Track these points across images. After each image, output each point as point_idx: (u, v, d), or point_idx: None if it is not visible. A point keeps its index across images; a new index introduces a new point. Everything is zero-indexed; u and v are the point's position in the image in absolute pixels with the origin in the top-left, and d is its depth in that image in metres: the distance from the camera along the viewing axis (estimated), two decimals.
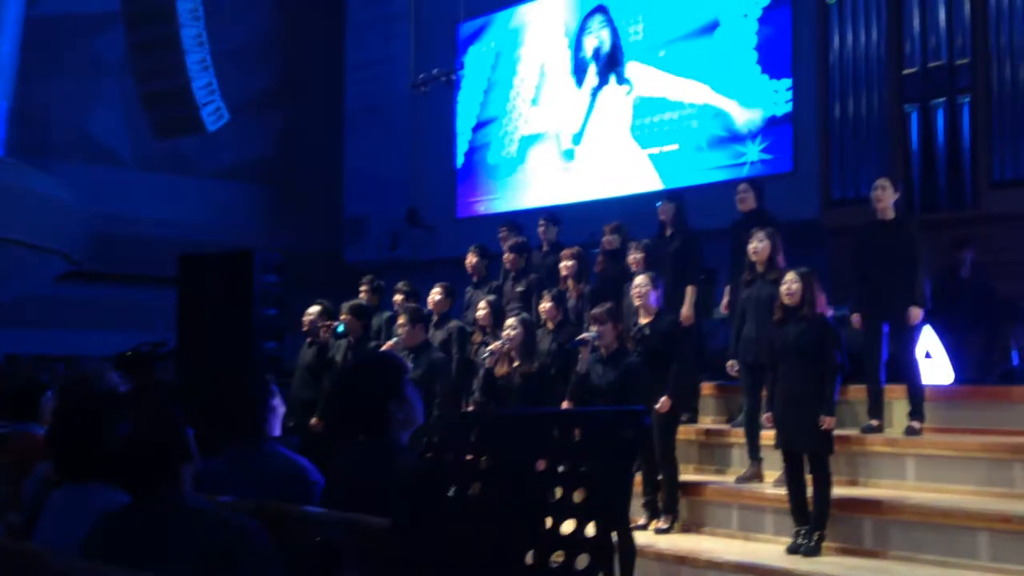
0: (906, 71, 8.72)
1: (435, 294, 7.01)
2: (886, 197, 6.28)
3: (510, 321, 6.00)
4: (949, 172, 8.47)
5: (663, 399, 5.63)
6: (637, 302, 5.94)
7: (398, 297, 7.36)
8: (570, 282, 6.93)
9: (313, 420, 6.76)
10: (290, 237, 12.18)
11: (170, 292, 7.33)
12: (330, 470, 2.59)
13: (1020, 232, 8.00)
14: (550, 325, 6.44)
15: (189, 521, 2.05)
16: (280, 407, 3.22)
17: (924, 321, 6.31)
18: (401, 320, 6.44)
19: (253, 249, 6.97)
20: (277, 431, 3.20)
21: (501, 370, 6.06)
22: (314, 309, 7.16)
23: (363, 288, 7.63)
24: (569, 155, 11.99)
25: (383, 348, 6.60)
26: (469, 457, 1.84)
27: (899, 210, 6.39)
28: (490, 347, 6.09)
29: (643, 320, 5.91)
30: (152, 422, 2.15)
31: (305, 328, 7.17)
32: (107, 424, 2.28)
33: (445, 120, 13.16)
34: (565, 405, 5.93)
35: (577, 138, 11.92)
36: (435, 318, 6.95)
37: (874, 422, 6.11)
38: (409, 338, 6.34)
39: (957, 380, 6.92)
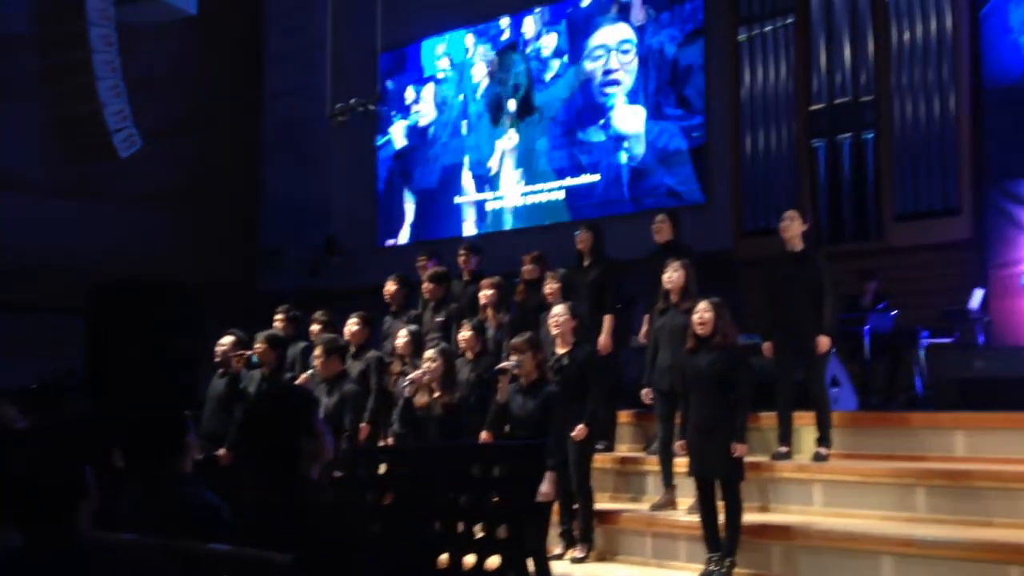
0: (814, 107, 9.05)
1: (352, 324, 6.96)
2: (794, 229, 6.46)
3: (429, 352, 5.99)
4: (855, 205, 8.80)
5: (579, 427, 5.69)
6: (555, 331, 6.00)
7: (315, 327, 7.29)
8: (490, 312, 6.95)
9: (221, 452, 6.64)
10: (205, 266, 11.96)
11: (80, 321, 7.13)
12: (237, 505, 2.56)
13: (921, 263, 8.34)
14: (469, 355, 6.44)
15: (87, 561, 2.00)
16: (194, 442, 3.16)
17: (832, 349, 6.51)
18: (317, 351, 6.37)
19: (166, 278, 6.82)
20: (188, 467, 3.14)
21: (421, 401, 6.03)
22: (227, 339, 7.05)
23: (278, 318, 7.54)
24: (490, 185, 12.07)
25: (298, 380, 6.52)
26: (375, 492, 1.84)
27: (807, 242, 6.57)
28: (409, 376, 6.07)
29: (561, 350, 5.97)
30: (47, 458, 2.09)
31: (217, 359, 7.04)
32: None
33: (366, 149, 13.15)
34: (484, 435, 5.93)
35: (497, 168, 12.02)
36: (353, 349, 6.90)
37: (783, 449, 6.26)
38: (325, 369, 6.28)
39: (862, 406, 7.14)
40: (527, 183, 11.70)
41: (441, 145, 12.63)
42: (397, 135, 13.02)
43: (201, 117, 12.75)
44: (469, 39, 12.43)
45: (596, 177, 11.13)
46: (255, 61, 13.74)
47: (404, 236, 12.87)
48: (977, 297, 7.70)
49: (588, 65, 11.29)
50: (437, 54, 12.74)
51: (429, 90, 12.76)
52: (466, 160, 12.29)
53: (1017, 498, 5.38)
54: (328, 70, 9.40)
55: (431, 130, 12.74)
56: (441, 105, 12.66)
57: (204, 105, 12.80)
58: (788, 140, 9.20)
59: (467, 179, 12.29)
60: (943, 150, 8.34)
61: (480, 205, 12.15)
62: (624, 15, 11.08)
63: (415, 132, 12.87)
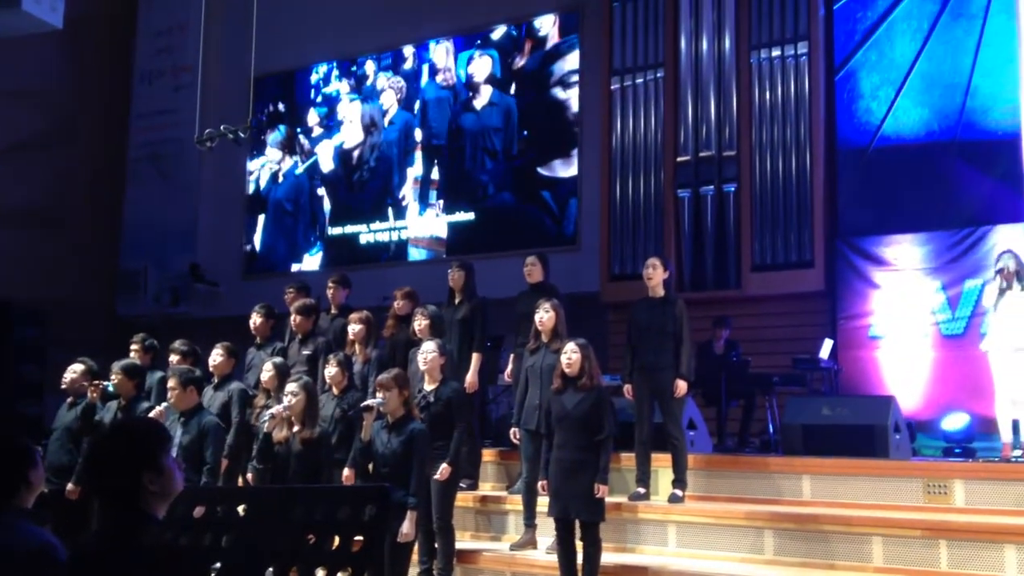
0: (680, 158, 9.40)
1: (216, 355, 6.76)
2: (656, 276, 6.65)
3: (291, 386, 5.87)
4: (716, 254, 9.15)
5: (443, 466, 5.67)
6: (423, 368, 5.98)
7: (174, 357, 7.04)
8: (358, 346, 6.89)
9: (69, 487, 6.31)
10: (59, 288, 11.42)
11: None
12: (77, 543, 2.44)
13: (774, 312, 8.72)
14: (335, 390, 6.36)
15: None
16: (39, 478, 2.99)
17: (689, 393, 6.71)
18: (171, 383, 6.16)
19: (11, 300, 6.47)
20: (28, 503, 2.97)
21: (280, 435, 5.90)
22: (77, 367, 6.72)
23: (134, 347, 7.26)
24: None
25: (153, 412, 6.28)
26: (212, 533, 1.79)
27: (669, 288, 6.77)
28: (270, 410, 5.93)
29: (428, 387, 5.95)
30: None
31: (66, 387, 6.71)
32: None
33: (236, 175, 12.87)
34: (347, 473, 5.86)
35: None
36: (216, 380, 6.70)
37: (641, 489, 6.40)
38: (180, 401, 6.07)
39: (716, 449, 7.38)
40: (405, 216, 11.67)
41: (315, 173, 12.48)
42: (272, 161, 12.79)
43: (63, 134, 12.23)
44: (349, 66, 12.37)
45: (473, 215, 11.21)
46: (123, 79, 13.30)
47: (272, 266, 12.61)
48: (827, 347, 8.10)
49: (477, 103, 11.40)
50: (315, 80, 12.61)
51: (305, 116, 12.61)
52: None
53: (860, 542, 5.64)
54: (198, 93, 9.18)
55: (306, 157, 12.57)
56: (317, 132, 12.52)
57: (67, 121, 12.30)
58: (656, 189, 9.51)
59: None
60: (799, 205, 8.78)
61: (349, 236, 12.05)
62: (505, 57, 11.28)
63: (289, 159, 12.68)
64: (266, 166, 12.80)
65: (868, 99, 8.91)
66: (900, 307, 8.39)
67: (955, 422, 7.44)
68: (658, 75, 9.58)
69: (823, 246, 8.68)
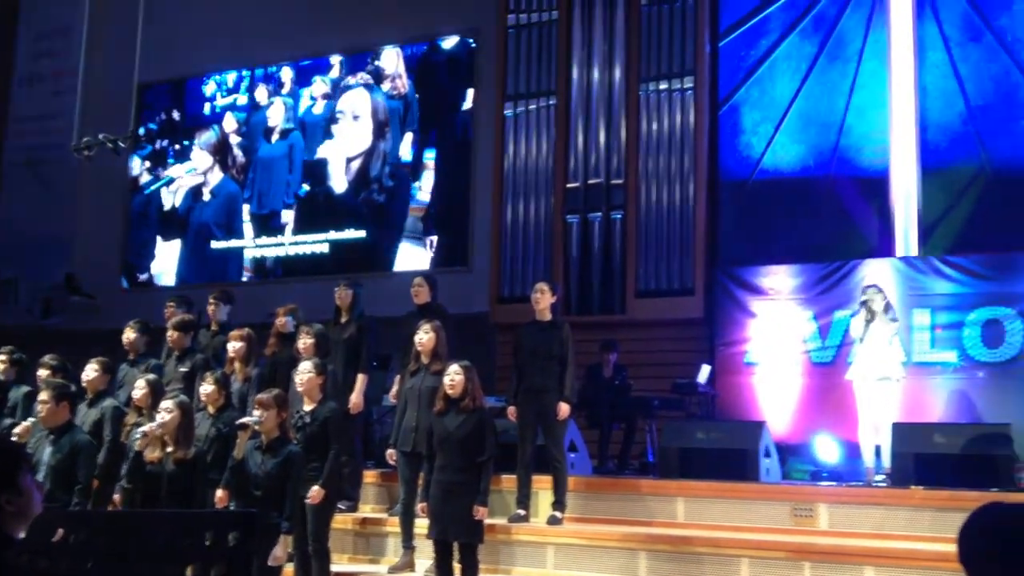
0: (570, 184, 9.57)
1: (90, 370, 6.53)
2: (544, 300, 6.74)
3: (165, 403, 5.71)
4: (602, 279, 9.33)
5: (314, 490, 5.59)
6: (300, 389, 5.91)
7: (43, 372, 6.77)
8: (237, 364, 6.76)
9: None
10: None
11: None
12: None
13: (656, 337, 8.93)
14: (211, 409, 6.21)
15: None
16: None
17: (571, 416, 6.81)
18: (44, 396, 5.91)
19: None
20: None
21: (153, 455, 5.72)
22: None
23: (1, 359, 6.95)
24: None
25: (18, 428, 6.02)
26: (73, 558, 1.74)
27: (555, 312, 6.87)
28: (141, 428, 5.75)
29: (307, 407, 5.88)
30: None
31: None
32: None
33: (116, 185, 12.47)
34: (220, 494, 5.71)
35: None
36: (89, 396, 6.47)
37: (521, 511, 6.45)
38: (51, 417, 5.83)
39: (596, 472, 7.50)
40: (292, 234, 11.51)
41: (202, 185, 12.21)
42: (153, 172, 12.44)
43: None
44: (235, 77, 12.16)
45: (364, 233, 11.14)
46: (1, 82, 12.77)
47: (152, 279, 12.26)
48: (704, 372, 8.34)
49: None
50: (199, 91, 12.35)
51: (190, 128, 12.33)
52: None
53: (729, 563, 5.81)
54: (78, 100, 8.89)
55: (189, 168, 12.28)
56: (202, 144, 12.24)
57: None
58: (545, 214, 9.65)
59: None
60: (681, 234, 9.04)
61: (234, 251, 11.81)
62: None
63: (172, 170, 12.36)
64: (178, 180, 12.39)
65: (749, 134, 9.26)
66: (774, 335, 8.71)
67: (828, 451, 7.74)
68: (550, 102, 9.74)
69: (703, 274, 8.95)
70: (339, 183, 11.38)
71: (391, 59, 11.27)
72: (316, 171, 11.47)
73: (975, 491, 5.84)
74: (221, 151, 12.14)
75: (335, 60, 11.58)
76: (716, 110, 9.37)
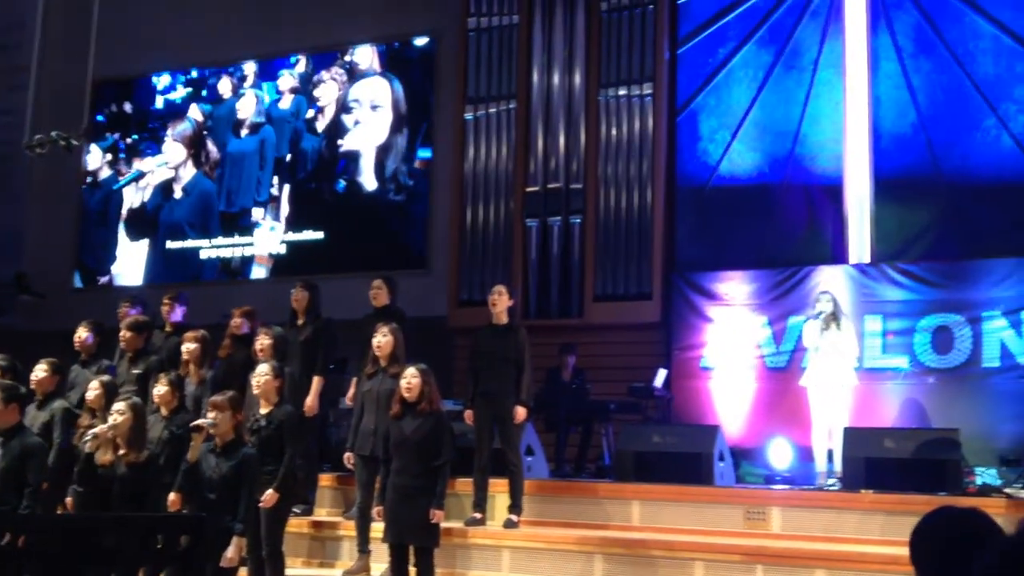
0: (530, 188, 9.59)
1: (40, 371, 6.43)
2: (501, 303, 6.76)
3: (118, 405, 5.64)
4: (561, 283, 9.37)
5: (268, 493, 5.56)
6: (256, 391, 5.86)
7: None
8: (192, 366, 6.68)
9: None
10: None
11: None
12: None
13: (614, 341, 8.99)
14: (164, 411, 6.14)
15: None
16: None
17: (529, 419, 6.84)
18: None
19: None
20: None
21: (104, 458, 5.64)
22: None
23: None
24: (204, 233, 11.64)
25: None
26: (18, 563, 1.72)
27: (513, 316, 6.89)
28: (93, 431, 5.67)
29: (263, 410, 5.84)
30: None
31: None
32: None
33: (68, 183, 12.26)
34: (173, 497, 5.64)
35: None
36: (39, 398, 6.36)
37: (478, 515, 6.46)
38: (0, 418, 5.73)
39: (554, 475, 7.53)
40: (269, 232, 11.36)
41: (157, 185, 12.05)
42: (109, 169, 12.25)
43: None
44: (188, 77, 12.03)
45: (323, 235, 11.07)
46: None
47: (106, 279, 12.07)
48: (661, 376, 8.40)
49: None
50: (153, 88, 12.18)
51: (145, 126, 12.15)
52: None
53: (683, 566, 5.87)
54: (31, 96, 8.74)
55: (144, 168, 12.10)
56: (161, 142, 12.08)
57: None
58: (505, 217, 9.66)
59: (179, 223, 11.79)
60: (639, 239, 9.10)
61: (192, 252, 11.68)
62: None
63: (126, 169, 12.18)
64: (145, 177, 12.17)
65: (707, 141, 9.35)
66: (730, 340, 8.80)
67: (781, 455, 7.83)
68: (510, 106, 9.76)
69: (660, 279, 9.02)
70: (306, 181, 11.25)
71: (366, 55, 11.19)
72: (285, 169, 11.34)
73: (924, 495, 5.95)
74: (195, 144, 11.87)
75: (301, 57, 11.49)
76: (674, 116, 9.45)
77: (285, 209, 11.29)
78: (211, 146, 11.78)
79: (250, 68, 11.72)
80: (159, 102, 12.21)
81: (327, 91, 11.30)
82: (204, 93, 11.94)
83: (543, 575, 6.03)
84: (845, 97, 8.83)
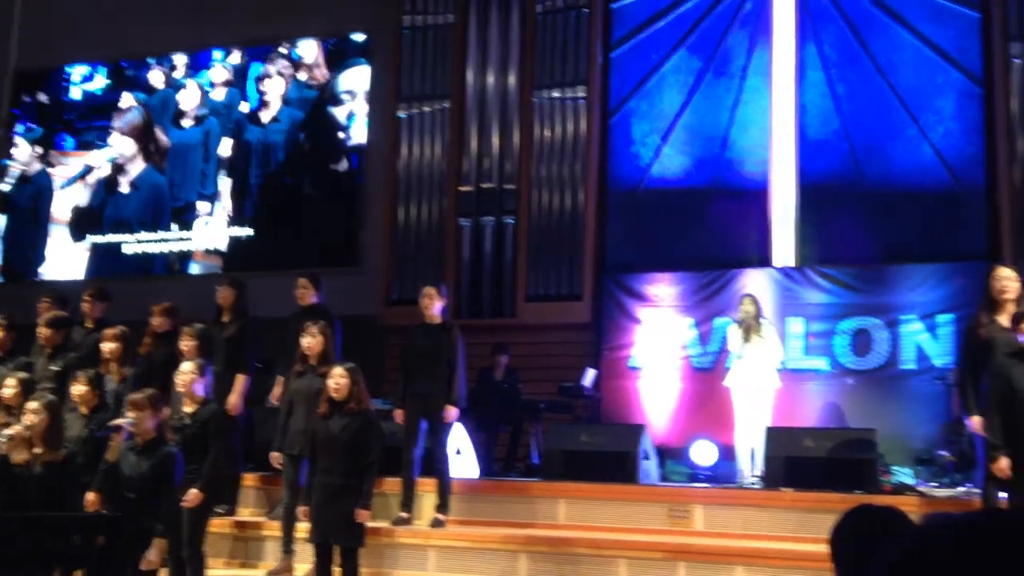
0: (463, 188, 9.60)
1: None
2: (433, 303, 6.76)
3: (32, 404, 5.50)
4: (493, 283, 9.39)
5: (192, 492, 5.48)
6: (181, 390, 5.78)
7: None
8: (112, 364, 6.55)
9: None
10: None
11: None
12: None
13: (545, 342, 9.05)
14: (83, 409, 6.01)
15: None
16: None
17: (459, 419, 6.84)
18: None
19: None
20: None
21: (19, 457, 5.50)
22: None
23: None
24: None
25: None
26: None
27: (445, 315, 6.90)
28: (6, 431, 5.53)
29: (187, 409, 5.75)
30: None
31: None
32: None
33: None
34: (91, 497, 5.53)
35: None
36: None
37: (404, 514, 6.45)
38: None
39: (483, 475, 7.55)
40: (203, 227, 11.14)
41: (70, 176, 11.72)
42: (28, 158, 11.92)
43: None
44: (106, 69, 11.78)
45: (252, 231, 10.93)
46: None
47: (28, 274, 11.74)
48: (590, 376, 8.48)
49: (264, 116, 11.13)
50: (76, 76, 11.90)
51: (59, 115, 11.87)
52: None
53: (607, 563, 5.93)
54: None
55: (57, 158, 11.78)
56: (76, 132, 11.76)
57: None
58: (438, 217, 9.65)
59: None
60: (571, 241, 9.17)
61: (114, 247, 11.43)
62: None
63: (46, 160, 11.86)
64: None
65: (638, 144, 9.46)
66: (658, 341, 8.92)
67: (705, 454, 7.96)
68: (444, 105, 9.76)
69: (591, 280, 9.10)
70: (241, 177, 11.07)
71: (310, 48, 11.05)
72: (220, 165, 11.13)
73: (841, 493, 6.10)
74: (144, 136, 11.52)
75: (235, 50, 11.31)
76: (607, 119, 9.55)
77: (228, 204, 11.08)
78: (161, 136, 11.48)
79: (180, 60, 11.50)
80: (76, 93, 11.88)
81: (273, 85, 11.10)
82: (132, 84, 11.68)
83: (469, 574, 6.05)
84: (772, 104, 9.01)
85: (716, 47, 9.26)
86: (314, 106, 10.93)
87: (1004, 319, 5.34)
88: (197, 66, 11.46)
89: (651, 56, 9.49)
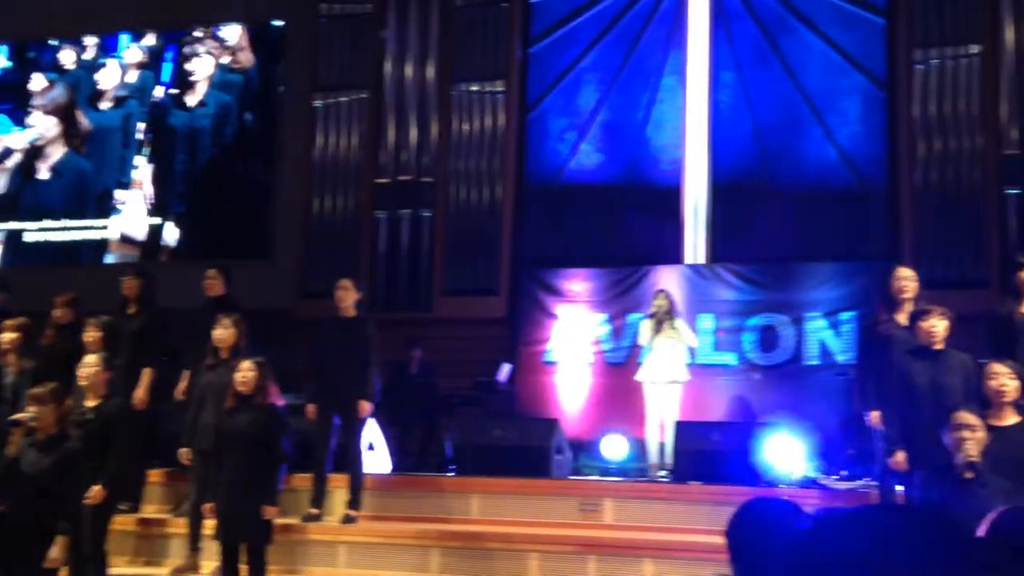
0: (380, 180, 9.52)
1: None
2: (348, 297, 6.68)
3: None
4: (409, 277, 9.35)
5: (95, 489, 5.33)
6: (84, 383, 5.61)
7: None
8: (11, 356, 6.32)
9: None
10: None
11: None
12: None
13: (461, 336, 9.04)
14: None
15: None
16: None
17: (372, 414, 6.79)
18: None
19: None
20: None
21: None
22: None
23: None
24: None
25: None
26: None
27: (360, 308, 6.83)
28: None
29: (90, 403, 5.59)
30: None
31: None
32: None
33: None
34: None
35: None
36: None
37: (314, 511, 6.37)
38: None
39: (396, 470, 7.52)
40: (119, 215, 10.78)
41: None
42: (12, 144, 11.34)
43: None
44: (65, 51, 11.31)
45: (171, 222, 10.66)
46: None
47: None
48: (505, 370, 8.52)
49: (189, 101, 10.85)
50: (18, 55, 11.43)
51: (51, 95, 11.33)
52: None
53: (519, 558, 5.96)
54: None
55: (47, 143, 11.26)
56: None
57: None
58: (354, 209, 9.56)
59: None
60: (489, 235, 9.19)
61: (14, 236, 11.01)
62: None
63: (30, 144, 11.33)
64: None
65: (556, 140, 9.52)
66: (573, 335, 9.00)
67: (614, 448, 8.06)
68: (362, 96, 9.66)
69: (508, 275, 9.14)
70: (163, 164, 10.75)
71: (234, 32, 10.78)
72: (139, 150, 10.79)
73: (747, 486, 6.24)
74: (65, 116, 11.04)
75: (150, 33, 10.98)
76: (525, 114, 9.58)
77: (149, 191, 10.73)
78: (82, 119, 11.04)
79: (91, 41, 11.12)
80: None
81: (202, 65, 10.76)
82: (39, 67, 11.23)
83: (380, 570, 6.02)
84: (686, 103, 9.16)
85: (633, 45, 9.37)
86: (240, 91, 10.67)
87: (903, 317, 5.54)
88: (108, 49, 11.09)
89: (569, 52, 9.56)
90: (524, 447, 6.91)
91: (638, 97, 9.31)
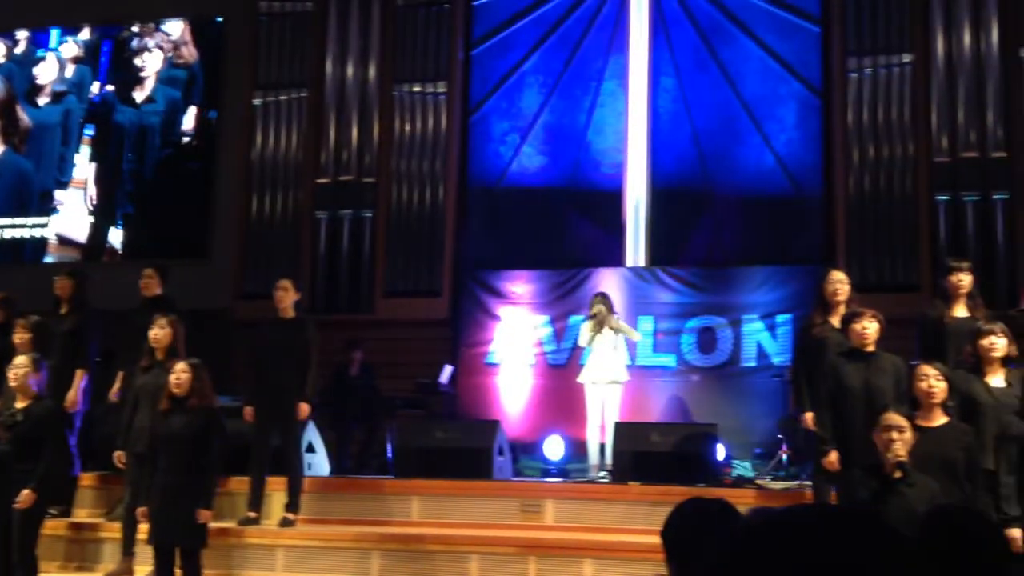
0: (320, 180, 9.44)
1: None
2: (287, 298, 6.62)
3: None
4: (350, 278, 9.28)
5: (25, 493, 5.20)
6: (13, 385, 5.47)
7: None
8: None
9: None
10: None
11: None
12: None
13: (403, 337, 9.01)
14: None
15: None
16: None
17: (312, 416, 6.73)
18: None
19: None
20: None
21: None
22: None
23: None
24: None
25: None
26: None
27: (299, 310, 6.76)
28: None
29: (19, 405, 5.45)
30: None
31: None
32: None
33: None
34: None
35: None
36: None
37: (252, 514, 6.29)
38: None
39: (335, 472, 7.46)
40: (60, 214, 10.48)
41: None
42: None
43: None
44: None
45: (117, 219, 10.42)
46: None
47: None
48: (447, 372, 8.50)
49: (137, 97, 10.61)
50: None
51: None
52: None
53: (460, 559, 5.96)
54: None
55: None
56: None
57: None
58: (294, 208, 9.46)
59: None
60: (431, 237, 9.17)
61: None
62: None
63: None
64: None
65: (498, 142, 9.54)
66: (515, 337, 9.02)
67: (555, 449, 8.11)
68: (302, 94, 9.57)
69: (450, 276, 9.12)
70: (107, 161, 10.49)
71: (176, 27, 10.57)
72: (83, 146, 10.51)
73: (684, 486, 6.31)
74: (3, 112, 10.69)
75: (85, 27, 10.72)
76: (468, 116, 9.58)
77: (92, 191, 10.47)
78: (22, 115, 10.70)
79: (22, 34, 10.83)
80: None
81: (152, 60, 10.53)
82: None
83: (319, 574, 5.96)
84: (627, 108, 9.25)
85: (575, 49, 9.43)
86: (184, 87, 10.47)
87: (836, 320, 5.66)
88: (40, 43, 10.82)
89: (512, 55, 9.58)
90: (466, 449, 6.91)
91: (580, 101, 9.37)
